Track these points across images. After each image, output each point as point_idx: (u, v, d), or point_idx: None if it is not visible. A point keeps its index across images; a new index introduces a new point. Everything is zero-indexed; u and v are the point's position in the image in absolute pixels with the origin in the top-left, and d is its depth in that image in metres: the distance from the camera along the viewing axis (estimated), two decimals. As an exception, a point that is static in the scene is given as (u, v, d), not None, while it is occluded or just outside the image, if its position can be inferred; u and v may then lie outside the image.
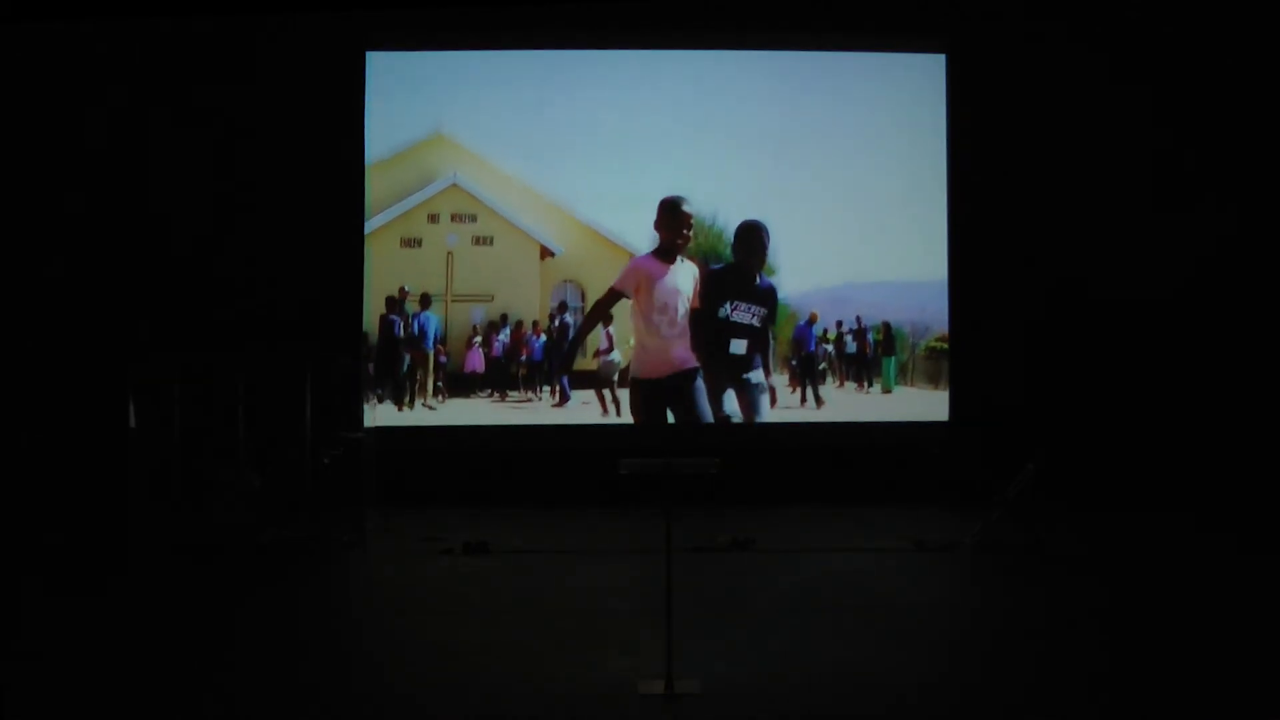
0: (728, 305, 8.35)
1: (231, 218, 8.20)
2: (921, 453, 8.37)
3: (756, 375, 8.38)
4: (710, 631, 4.86)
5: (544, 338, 8.58)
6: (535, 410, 8.57)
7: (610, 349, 8.50)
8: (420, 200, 8.59)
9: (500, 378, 8.61)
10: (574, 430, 8.42)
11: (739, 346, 8.35)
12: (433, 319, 8.59)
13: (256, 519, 6.97)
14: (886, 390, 8.66)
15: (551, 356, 8.56)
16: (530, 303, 8.63)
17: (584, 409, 8.56)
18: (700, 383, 8.21)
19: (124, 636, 4.96)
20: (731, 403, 8.35)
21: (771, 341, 8.49)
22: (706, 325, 8.28)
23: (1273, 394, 7.83)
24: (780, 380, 8.57)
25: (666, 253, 8.14)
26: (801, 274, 8.59)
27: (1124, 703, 4.03)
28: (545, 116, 8.56)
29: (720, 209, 8.53)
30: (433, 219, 8.60)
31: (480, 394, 8.57)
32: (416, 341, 8.57)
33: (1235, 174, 8.09)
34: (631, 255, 8.37)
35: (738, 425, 8.36)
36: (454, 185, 8.58)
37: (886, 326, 8.65)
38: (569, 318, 8.62)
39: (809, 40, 8.59)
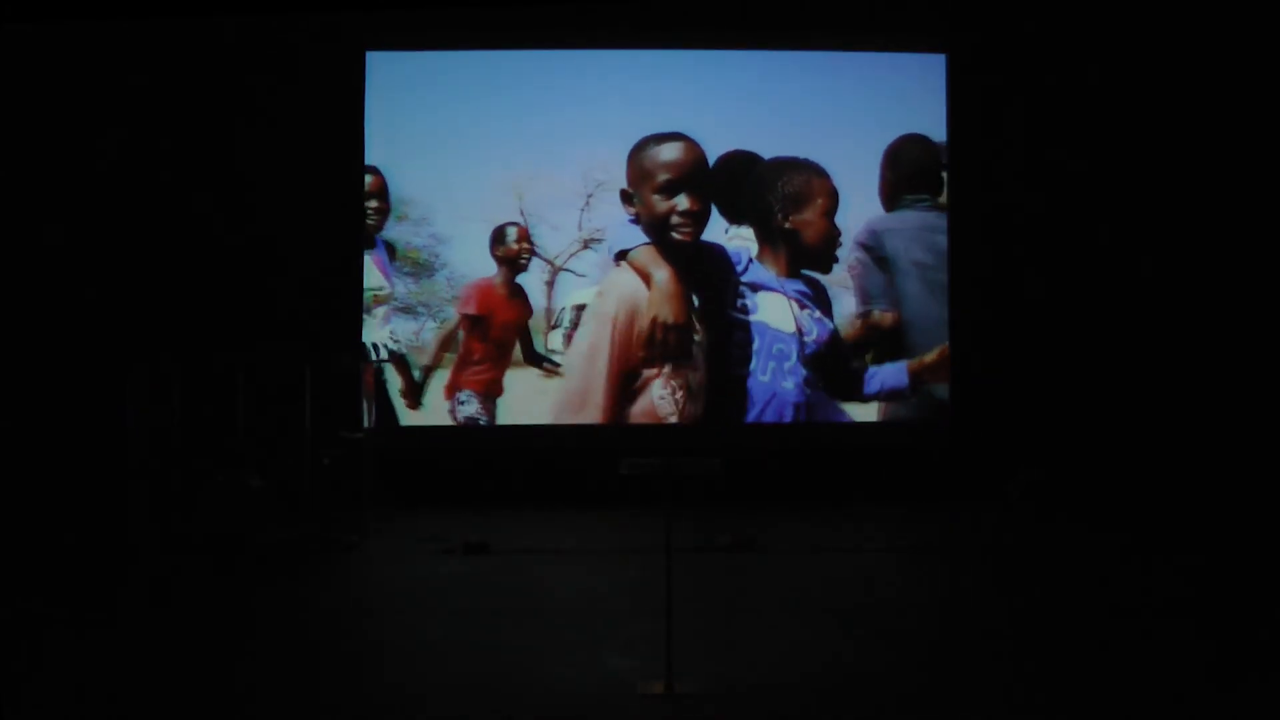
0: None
1: (232, 217, 8.20)
2: (922, 453, 8.37)
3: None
4: (710, 631, 4.85)
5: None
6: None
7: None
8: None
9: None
10: (574, 430, 8.41)
11: None
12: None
13: (256, 519, 6.96)
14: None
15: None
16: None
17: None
18: None
19: (124, 637, 4.96)
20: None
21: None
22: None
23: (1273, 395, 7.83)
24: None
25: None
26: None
27: (1123, 704, 4.03)
28: (546, 116, 8.58)
29: (719, 208, 8.55)
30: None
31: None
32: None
33: (1236, 174, 8.08)
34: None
35: (736, 425, 8.37)
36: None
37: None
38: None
39: (808, 40, 8.60)
